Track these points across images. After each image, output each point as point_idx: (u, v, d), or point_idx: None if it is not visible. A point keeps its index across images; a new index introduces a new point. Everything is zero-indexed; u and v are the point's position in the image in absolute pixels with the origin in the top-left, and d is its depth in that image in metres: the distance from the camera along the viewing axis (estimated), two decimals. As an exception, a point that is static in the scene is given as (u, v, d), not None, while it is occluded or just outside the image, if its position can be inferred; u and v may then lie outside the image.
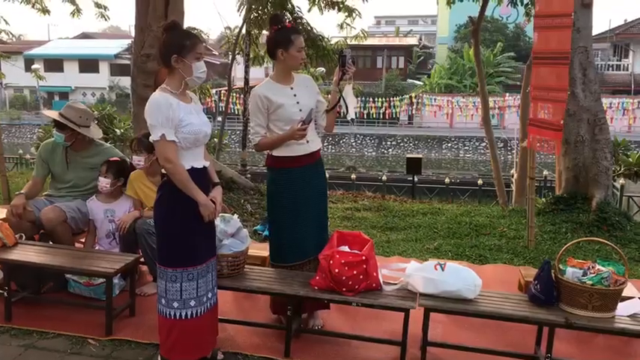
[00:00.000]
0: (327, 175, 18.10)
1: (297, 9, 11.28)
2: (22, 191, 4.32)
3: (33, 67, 37.54)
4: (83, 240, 4.54)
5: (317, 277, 3.41)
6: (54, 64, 41.99)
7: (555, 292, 3.26)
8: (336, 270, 3.29)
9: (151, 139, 3.02)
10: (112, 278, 3.64)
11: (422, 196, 16.13)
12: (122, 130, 14.79)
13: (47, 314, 3.81)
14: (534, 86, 5.17)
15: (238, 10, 11.80)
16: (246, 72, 12.22)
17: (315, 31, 11.64)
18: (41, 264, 3.67)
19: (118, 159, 4.48)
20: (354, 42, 13.32)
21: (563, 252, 3.30)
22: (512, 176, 12.37)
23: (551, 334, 3.20)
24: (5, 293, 3.70)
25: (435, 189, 17.37)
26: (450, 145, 34.59)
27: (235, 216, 3.72)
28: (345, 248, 3.46)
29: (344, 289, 3.33)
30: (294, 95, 3.54)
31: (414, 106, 35.92)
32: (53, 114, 4.41)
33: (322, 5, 11.66)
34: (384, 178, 18.27)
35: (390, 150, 34.76)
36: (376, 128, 35.80)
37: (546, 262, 3.35)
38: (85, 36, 49.77)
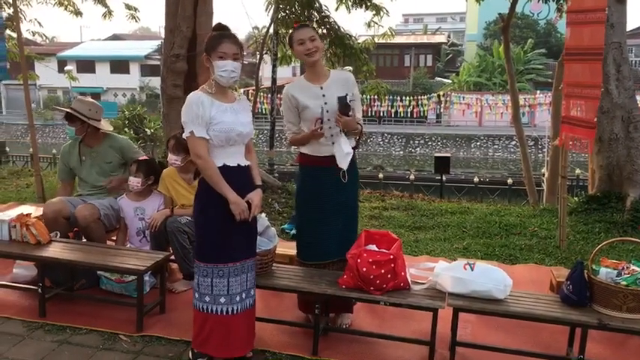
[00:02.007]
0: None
1: (324, 8, 11.26)
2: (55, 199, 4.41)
3: (66, 68, 38.37)
4: (115, 237, 4.62)
5: (345, 276, 3.41)
6: (86, 65, 42.75)
7: (588, 292, 3.21)
8: (364, 269, 3.28)
9: (183, 135, 3.11)
10: (143, 275, 3.69)
11: (450, 196, 15.95)
12: (152, 130, 15.00)
13: (80, 310, 3.87)
14: (567, 83, 5.07)
15: (266, 10, 11.84)
16: (274, 71, 12.24)
17: (342, 29, 11.62)
18: (74, 261, 3.74)
19: (147, 157, 4.55)
20: (381, 40, 13.26)
21: (597, 252, 3.24)
22: (543, 175, 12.16)
23: (584, 335, 3.15)
24: (39, 290, 3.77)
25: (464, 188, 17.23)
26: (478, 143, 34.19)
27: (263, 215, 3.74)
28: (373, 247, 3.44)
29: (372, 288, 3.32)
30: (323, 95, 3.53)
31: (442, 105, 35.57)
32: (64, 108, 4.55)
33: (349, 4, 11.61)
34: (412, 177, 18.19)
35: (418, 149, 34.51)
36: (404, 127, 35.56)
37: (579, 262, 3.30)
38: (115, 37, 50.58)
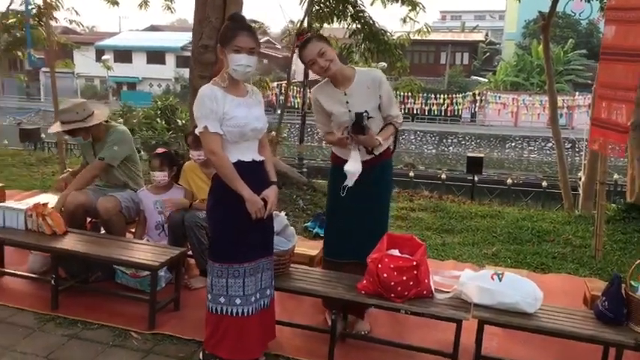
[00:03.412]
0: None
1: (359, 2, 11.07)
2: (69, 169, 4.35)
3: (103, 57, 38.96)
4: (133, 229, 4.54)
5: (364, 281, 3.25)
6: (123, 55, 43.34)
7: (625, 309, 2.99)
8: (385, 275, 3.12)
9: (196, 130, 2.99)
10: (157, 271, 3.59)
11: (482, 197, 15.61)
12: (183, 121, 15.04)
13: (93, 304, 3.79)
14: (600, 83, 4.78)
15: (300, 3, 11.70)
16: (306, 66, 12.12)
17: (376, 25, 11.41)
18: (88, 253, 3.66)
19: (166, 150, 4.47)
20: (416, 37, 13.01)
21: (636, 266, 3.01)
22: (580, 179, 11.76)
23: (619, 355, 2.94)
24: (52, 281, 3.71)
25: (496, 189, 16.85)
26: (513, 144, 33.56)
27: (282, 213, 3.62)
28: (395, 252, 3.27)
29: (392, 295, 3.16)
30: (347, 102, 3.40)
31: (477, 104, 35.00)
32: (56, 127, 4.37)
33: (386, -2, 11.40)
34: (443, 176, 17.88)
35: (451, 148, 34.03)
36: (437, 125, 35.09)
37: (616, 276, 3.08)
38: (153, 28, 51.11)
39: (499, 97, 34.43)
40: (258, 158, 3.08)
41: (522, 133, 33.63)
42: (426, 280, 3.24)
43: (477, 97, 34.67)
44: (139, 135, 14.48)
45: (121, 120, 15.98)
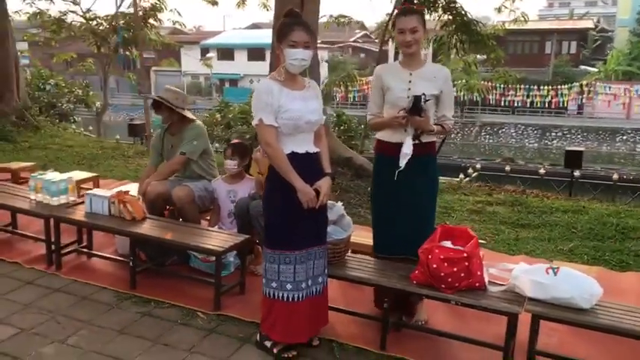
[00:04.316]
0: (479, 166, 17.55)
1: (451, -9, 10.86)
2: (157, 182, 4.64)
3: (207, 55, 40.64)
4: (209, 217, 4.82)
5: (417, 272, 3.28)
6: (226, 52, 44.96)
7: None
8: (434, 265, 3.14)
9: (252, 123, 3.14)
10: (222, 256, 3.81)
11: (584, 193, 14.85)
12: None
13: (167, 285, 4.08)
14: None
15: (390, -3, 11.66)
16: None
17: (469, 15, 11.14)
18: (160, 238, 3.93)
19: (239, 141, 4.69)
20: (513, 26, 12.57)
21: None
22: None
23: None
24: (131, 263, 4.03)
25: (600, 185, 15.97)
26: (625, 137, 31.45)
27: (339, 203, 3.70)
28: (448, 243, 3.28)
29: (443, 286, 3.17)
30: (409, 82, 3.40)
31: (585, 95, 33.06)
32: (151, 96, 4.77)
33: (478, -13, 11.10)
34: (542, 171, 17.18)
35: (555, 142, 32.42)
36: (540, 118, 33.52)
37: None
38: (255, 26, 52.61)
39: (609, 87, 32.32)
40: (313, 150, 3.18)
41: (635, 125, 31.46)
42: (479, 272, 3.21)
43: (585, 88, 32.75)
44: (235, 129, 15.03)
45: (219, 115, 16.67)
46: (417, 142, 3.36)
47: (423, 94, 3.28)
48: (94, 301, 3.89)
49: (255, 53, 44.61)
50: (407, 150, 3.32)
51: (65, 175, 4.68)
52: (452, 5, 11.00)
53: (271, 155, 3.08)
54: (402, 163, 3.33)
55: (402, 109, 3.31)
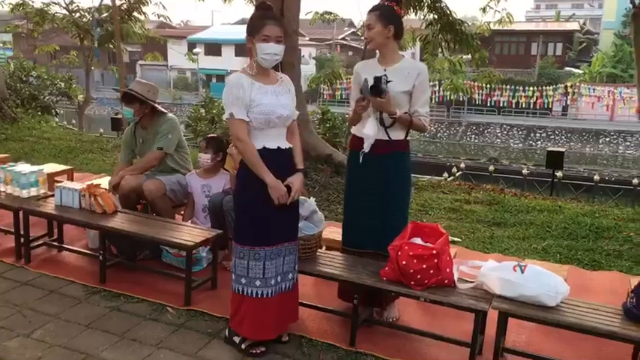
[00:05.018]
0: (463, 165, 17.65)
1: (436, -9, 10.86)
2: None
3: (194, 50, 40.43)
4: (183, 212, 4.78)
5: (386, 268, 3.27)
6: (213, 48, 44.73)
7: (654, 308, 2.84)
8: (404, 262, 3.13)
9: (223, 117, 3.11)
10: (193, 251, 3.78)
11: (565, 193, 14.96)
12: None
13: (137, 280, 4.04)
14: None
15: (375, -6, 11.65)
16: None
17: (454, 15, 11.15)
18: (130, 232, 3.89)
19: (215, 135, 4.65)
20: (498, 27, 12.60)
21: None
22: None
23: (643, 355, 2.80)
24: (100, 257, 3.98)
25: (582, 186, 16.11)
26: (608, 139, 31.76)
27: (312, 199, 3.69)
28: (418, 240, 3.27)
29: (412, 283, 3.16)
30: (388, 83, 3.40)
31: (570, 96, 33.33)
32: (123, 89, 4.70)
33: (463, -13, 11.11)
34: (525, 171, 17.27)
35: (539, 142, 32.64)
36: (525, 119, 33.73)
37: (648, 274, 2.93)
38: (244, 22, 52.02)
39: (593, 89, 32.61)
40: (285, 146, 3.15)
41: (618, 127, 31.77)
42: (448, 270, 3.21)
43: (569, 90, 33.01)
44: (220, 125, 14.95)
45: (203, 111, 16.58)
46: (383, 127, 3.34)
47: (385, 75, 3.28)
48: (62, 295, 3.83)
49: (242, 49, 44.41)
50: (368, 131, 3.31)
51: (36, 168, 4.61)
52: (437, 5, 11.01)
53: (242, 150, 3.05)
54: (366, 146, 3.33)
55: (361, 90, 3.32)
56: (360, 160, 3.40)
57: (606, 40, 39.29)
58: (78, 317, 3.54)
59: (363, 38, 3.50)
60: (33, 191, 4.40)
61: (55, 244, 4.51)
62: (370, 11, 3.39)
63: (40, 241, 4.51)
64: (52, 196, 4.39)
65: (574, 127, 32.78)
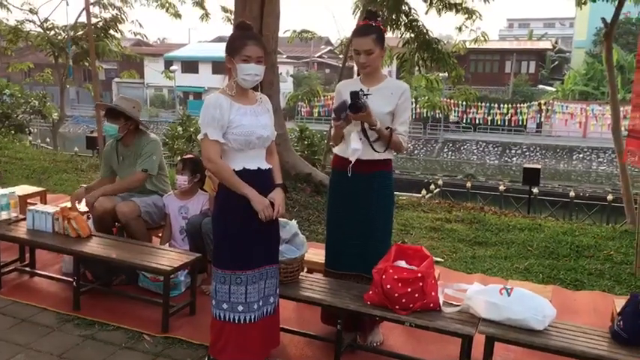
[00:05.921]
0: (441, 182, 17.72)
1: (413, 11, 10.96)
2: (84, 185, 4.55)
3: (171, 68, 40.29)
4: (161, 234, 4.65)
5: (370, 292, 3.20)
6: (190, 65, 44.65)
7: (642, 331, 2.81)
8: (388, 286, 3.06)
9: (198, 137, 3.04)
10: (169, 276, 3.66)
11: (542, 209, 15.11)
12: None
13: (113, 306, 3.90)
14: (637, 93, 4.55)
15: (353, 13, 11.70)
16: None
17: (430, 34, 11.25)
18: (106, 257, 3.76)
19: (192, 156, 4.56)
20: (473, 45, 12.74)
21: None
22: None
23: (632, 380, 2.76)
24: (74, 283, 3.84)
25: (558, 202, 16.29)
26: (581, 155, 32.29)
27: (293, 221, 3.61)
28: (402, 263, 3.21)
29: (397, 307, 3.09)
30: (366, 97, 3.34)
31: (544, 114, 33.88)
32: (108, 105, 4.62)
33: (440, 7, 11.25)
34: (502, 188, 17.43)
35: (515, 159, 33.06)
36: (500, 135, 34.19)
37: (634, 295, 2.91)
38: (220, 39, 52.41)
39: (566, 106, 33.20)
40: (265, 166, 3.08)
41: (591, 144, 32.33)
42: (434, 293, 3.15)
43: (543, 107, 33.55)
44: (198, 143, 14.84)
45: (180, 129, 16.45)
46: (367, 141, 3.29)
47: (361, 89, 3.23)
48: (34, 323, 3.68)
49: (219, 66, 44.38)
50: (355, 145, 3.24)
51: (7, 190, 4.46)
52: (414, 24, 11.10)
53: (214, 170, 2.99)
54: (353, 158, 3.27)
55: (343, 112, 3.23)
56: (349, 174, 3.32)
57: (578, 59, 40.08)
58: (50, 347, 3.39)
59: (359, 62, 3.43)
60: (4, 215, 4.26)
61: (27, 269, 4.36)
62: (364, 35, 3.26)
63: (11, 267, 4.35)
64: (24, 219, 4.23)
65: (548, 143, 33.29)
